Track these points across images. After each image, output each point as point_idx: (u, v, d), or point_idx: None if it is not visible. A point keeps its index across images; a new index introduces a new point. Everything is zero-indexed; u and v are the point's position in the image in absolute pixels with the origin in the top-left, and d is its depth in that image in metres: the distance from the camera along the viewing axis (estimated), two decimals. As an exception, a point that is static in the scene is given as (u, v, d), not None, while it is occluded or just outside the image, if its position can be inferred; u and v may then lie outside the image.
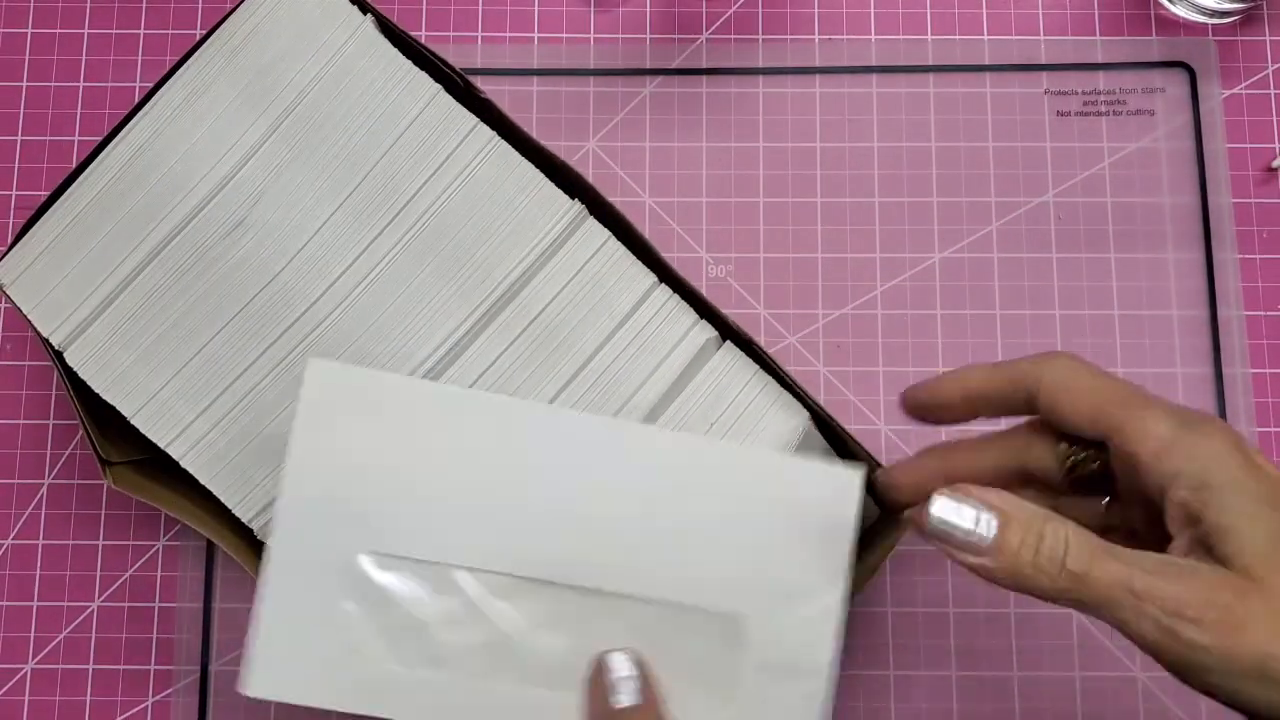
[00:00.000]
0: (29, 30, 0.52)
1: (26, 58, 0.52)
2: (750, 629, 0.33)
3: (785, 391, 0.39)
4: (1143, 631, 0.28)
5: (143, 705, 0.47)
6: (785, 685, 0.33)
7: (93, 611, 0.48)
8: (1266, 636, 0.26)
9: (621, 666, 0.32)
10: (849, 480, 0.33)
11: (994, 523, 0.28)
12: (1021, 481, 0.33)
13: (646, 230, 0.50)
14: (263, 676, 0.31)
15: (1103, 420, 0.30)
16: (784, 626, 0.33)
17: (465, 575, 0.32)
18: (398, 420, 0.32)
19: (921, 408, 0.34)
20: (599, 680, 0.32)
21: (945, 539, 0.28)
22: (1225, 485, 0.28)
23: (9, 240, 0.41)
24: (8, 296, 0.39)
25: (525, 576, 0.32)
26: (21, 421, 0.49)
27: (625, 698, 0.31)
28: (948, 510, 0.28)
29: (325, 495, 0.32)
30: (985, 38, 0.52)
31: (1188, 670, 0.28)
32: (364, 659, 0.32)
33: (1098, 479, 0.32)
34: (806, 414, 0.38)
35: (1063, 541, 0.28)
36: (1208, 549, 0.28)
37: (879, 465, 0.37)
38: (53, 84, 0.52)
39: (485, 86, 0.40)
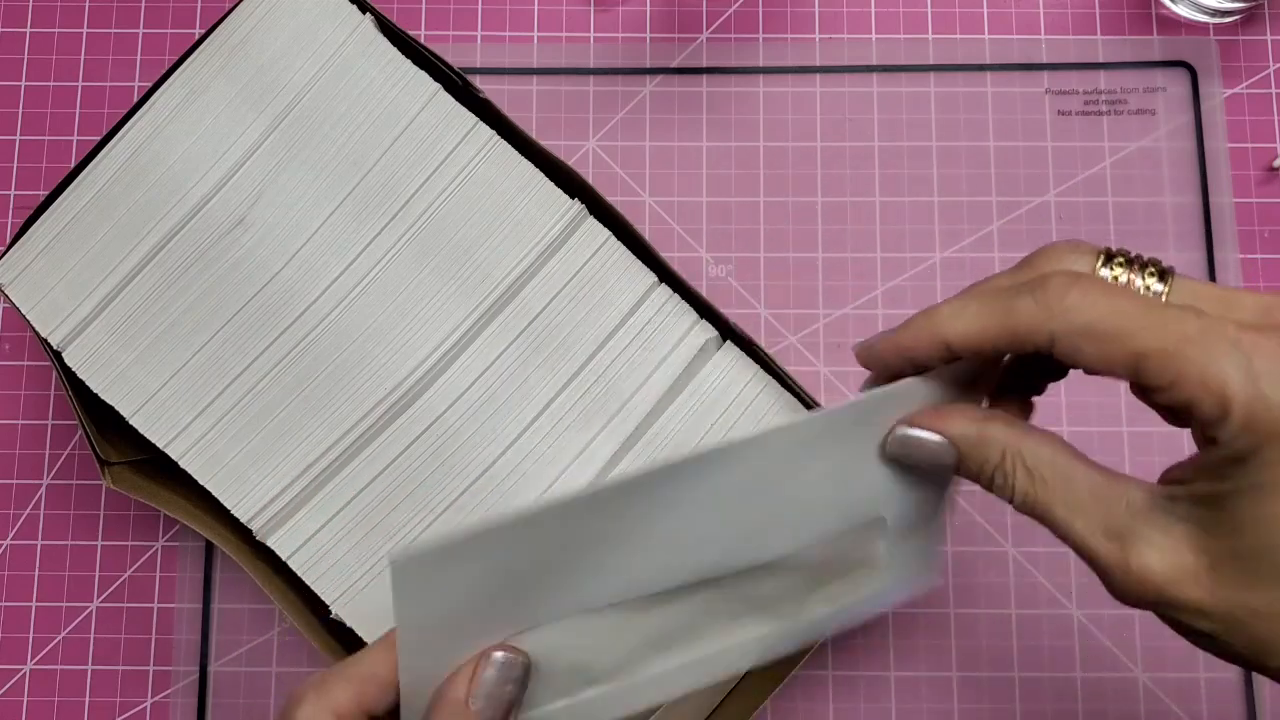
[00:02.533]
0: (28, 30, 0.52)
1: (25, 57, 0.52)
2: (888, 516, 0.32)
3: (786, 392, 0.39)
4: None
5: (142, 706, 0.47)
6: (917, 534, 0.33)
7: (91, 612, 0.48)
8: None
9: (501, 668, 0.29)
10: (910, 387, 0.30)
11: (951, 458, 0.28)
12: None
13: (646, 230, 0.50)
14: None
15: (1150, 375, 0.24)
16: (913, 498, 0.31)
17: (614, 613, 0.30)
18: (503, 559, 0.29)
19: (885, 364, 0.30)
20: (478, 670, 0.29)
21: (909, 462, 0.29)
22: (1271, 470, 0.23)
23: (7, 240, 0.41)
24: (6, 296, 0.39)
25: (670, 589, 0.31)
26: (20, 422, 0.49)
27: (480, 702, 0.28)
28: (907, 445, 0.28)
29: (444, 649, 0.29)
30: (986, 37, 0.52)
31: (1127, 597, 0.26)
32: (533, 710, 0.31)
33: None
34: (807, 414, 0.38)
35: (1011, 477, 0.27)
36: (1218, 524, 0.24)
37: None
38: (51, 83, 0.52)
39: (485, 86, 0.40)
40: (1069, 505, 0.26)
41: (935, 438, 0.28)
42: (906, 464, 0.29)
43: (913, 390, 0.29)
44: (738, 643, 0.33)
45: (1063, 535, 0.26)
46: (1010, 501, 0.27)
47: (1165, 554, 0.25)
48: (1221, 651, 0.25)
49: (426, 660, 0.29)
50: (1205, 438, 0.25)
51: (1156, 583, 0.24)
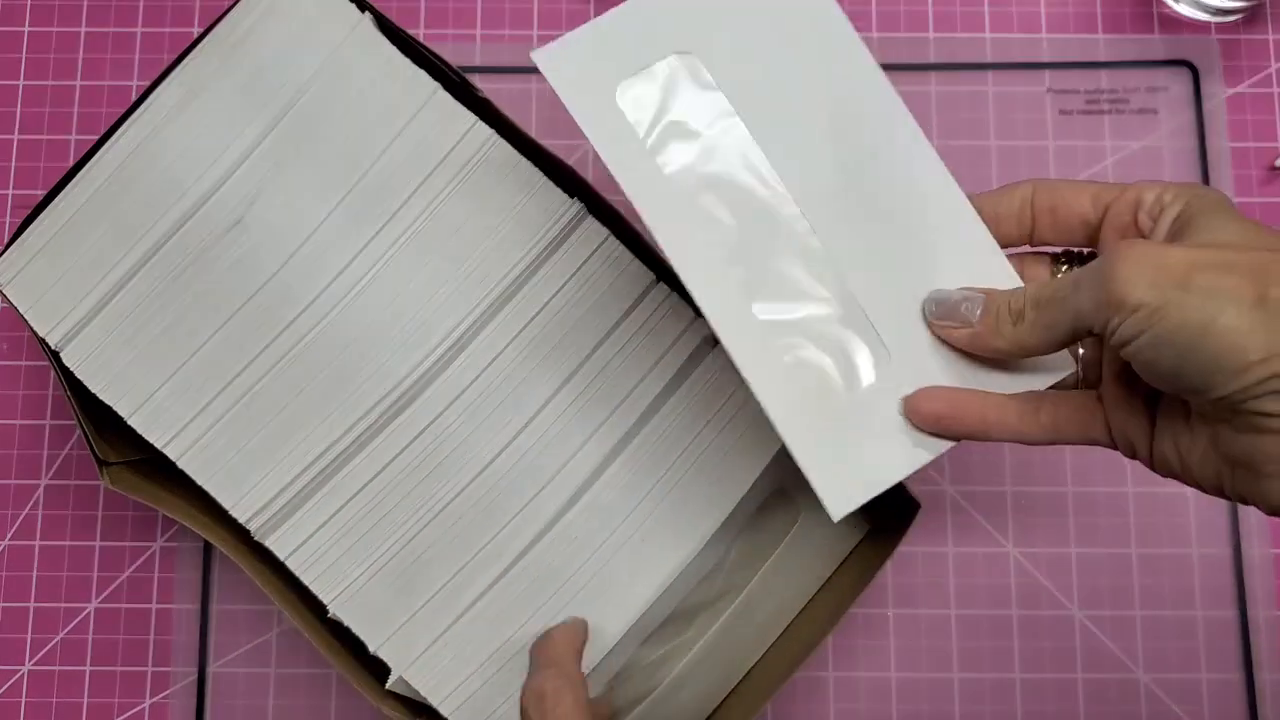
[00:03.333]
0: (25, 29, 0.52)
1: (23, 56, 0.52)
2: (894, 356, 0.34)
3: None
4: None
5: (140, 707, 0.47)
6: (892, 431, 0.33)
7: (90, 613, 0.48)
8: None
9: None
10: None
11: (979, 301, 0.32)
12: None
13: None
14: (555, 55, 0.33)
15: (1100, 200, 0.32)
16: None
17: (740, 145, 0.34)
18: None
19: None
20: None
21: (942, 307, 0.33)
22: (1209, 207, 0.29)
23: (5, 240, 0.41)
24: (4, 296, 0.39)
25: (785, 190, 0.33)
26: (18, 422, 0.49)
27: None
28: (946, 291, 0.33)
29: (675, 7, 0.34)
30: (987, 35, 0.52)
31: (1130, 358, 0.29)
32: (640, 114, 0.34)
33: None
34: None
35: (1020, 298, 0.31)
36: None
37: None
38: (49, 82, 0.51)
39: (484, 85, 0.40)
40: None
41: (970, 291, 0.33)
42: (936, 302, 0.33)
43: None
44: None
45: (1064, 285, 0.30)
46: (1026, 293, 0.31)
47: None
48: (1178, 355, 0.27)
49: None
50: (1154, 227, 0.31)
51: (1142, 243, 0.28)
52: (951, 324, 0.33)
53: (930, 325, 0.33)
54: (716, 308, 0.33)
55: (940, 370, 0.33)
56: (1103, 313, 0.28)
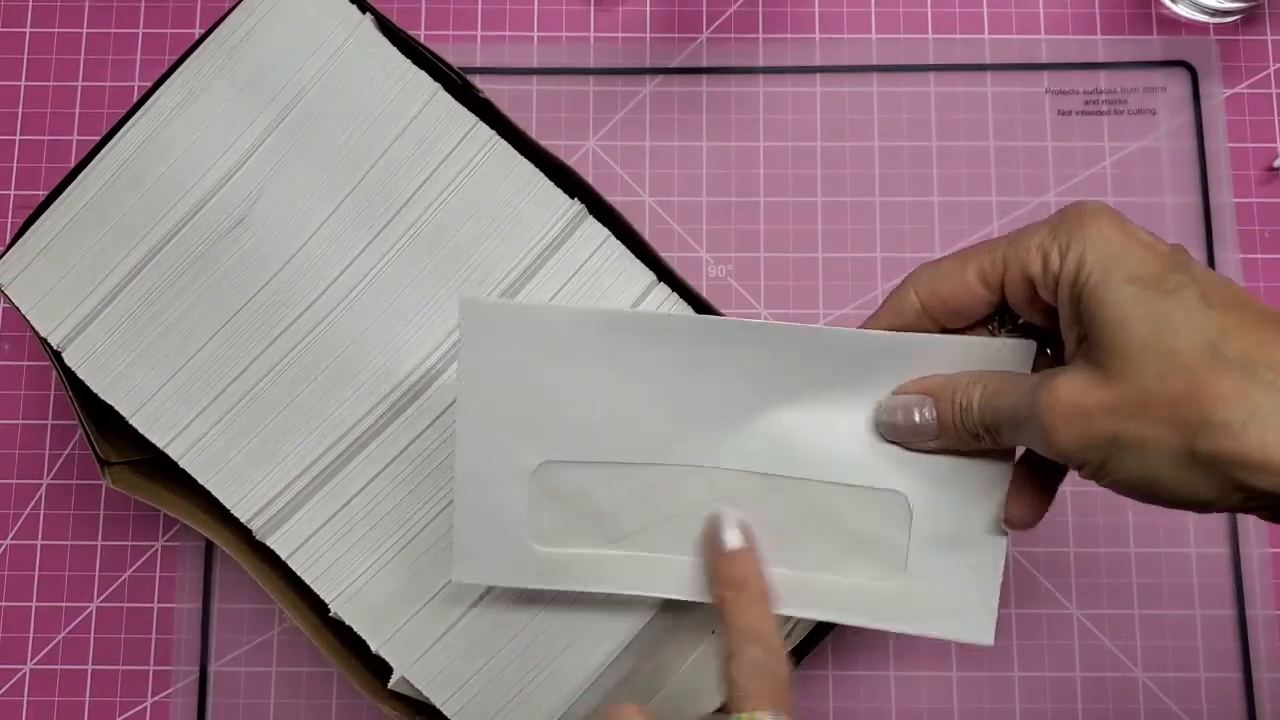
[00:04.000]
0: (27, 29, 0.52)
1: (25, 57, 0.52)
2: (915, 505, 0.34)
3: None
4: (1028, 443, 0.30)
5: (141, 706, 0.47)
6: (954, 557, 0.34)
7: (91, 612, 0.48)
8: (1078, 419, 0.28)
9: (730, 519, 0.34)
10: (1021, 350, 0.33)
11: (929, 409, 0.32)
12: None
13: (646, 230, 0.50)
14: (464, 566, 0.35)
15: (987, 278, 0.31)
16: (949, 502, 0.34)
17: (641, 468, 0.34)
18: (549, 343, 0.34)
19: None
20: (712, 535, 0.34)
21: (900, 436, 0.33)
22: (1099, 272, 0.28)
23: (7, 240, 0.41)
24: (6, 296, 0.39)
25: (699, 465, 0.34)
26: (20, 422, 0.49)
27: (733, 539, 0.34)
28: (893, 414, 0.33)
29: (496, 416, 0.34)
30: (986, 36, 0.52)
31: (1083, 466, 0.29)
32: (549, 546, 0.35)
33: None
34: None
35: (973, 390, 0.31)
36: (1089, 346, 0.28)
37: None
38: (51, 83, 0.52)
39: (485, 86, 0.40)
40: (1008, 395, 0.30)
41: (915, 396, 0.33)
42: (894, 435, 0.33)
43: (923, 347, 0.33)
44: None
45: (1004, 417, 0.30)
46: (974, 414, 0.31)
47: (1066, 380, 0.28)
48: (1144, 469, 0.28)
49: (479, 420, 0.34)
50: (1057, 302, 0.30)
51: (1063, 398, 0.28)
52: (919, 439, 0.33)
53: (899, 444, 0.33)
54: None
55: (940, 497, 0.34)
56: (1059, 461, 0.29)
